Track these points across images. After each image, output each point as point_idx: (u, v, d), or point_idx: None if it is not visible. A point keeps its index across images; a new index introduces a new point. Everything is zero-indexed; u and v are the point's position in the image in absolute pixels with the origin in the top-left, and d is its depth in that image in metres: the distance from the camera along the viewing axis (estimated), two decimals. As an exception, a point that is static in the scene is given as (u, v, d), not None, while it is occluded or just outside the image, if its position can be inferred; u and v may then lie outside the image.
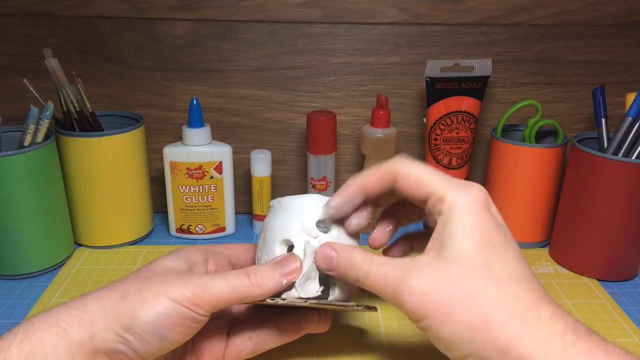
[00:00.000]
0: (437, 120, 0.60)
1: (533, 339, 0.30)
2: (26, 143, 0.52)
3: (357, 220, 0.39)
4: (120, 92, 0.63)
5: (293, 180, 0.68)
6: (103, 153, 0.56)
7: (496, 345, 0.30)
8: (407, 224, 0.43)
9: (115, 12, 0.60)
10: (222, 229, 0.63)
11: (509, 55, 0.62)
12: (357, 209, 0.39)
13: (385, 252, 0.43)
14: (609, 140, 0.55)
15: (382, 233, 0.42)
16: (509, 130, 0.62)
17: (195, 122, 0.58)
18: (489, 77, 0.59)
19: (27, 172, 0.51)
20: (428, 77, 0.58)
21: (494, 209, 0.35)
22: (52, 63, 0.54)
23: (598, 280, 0.55)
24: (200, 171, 0.59)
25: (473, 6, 0.60)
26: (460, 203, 0.34)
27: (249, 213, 0.68)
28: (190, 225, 0.62)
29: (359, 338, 0.45)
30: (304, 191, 0.66)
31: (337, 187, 0.44)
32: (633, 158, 0.52)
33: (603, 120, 0.56)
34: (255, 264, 0.42)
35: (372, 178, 0.37)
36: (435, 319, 0.32)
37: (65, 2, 0.59)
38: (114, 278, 0.45)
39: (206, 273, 0.40)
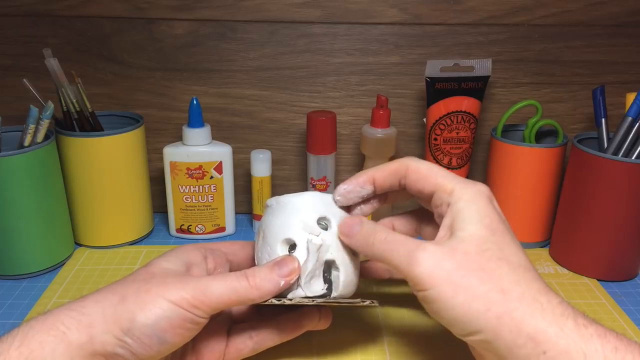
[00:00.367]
0: (437, 120, 0.60)
1: (546, 317, 0.30)
2: (26, 143, 0.52)
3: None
4: (120, 92, 0.63)
5: (293, 180, 0.68)
6: (103, 153, 0.56)
7: (512, 319, 0.30)
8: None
9: (115, 12, 0.60)
10: (222, 229, 0.63)
11: (509, 55, 0.62)
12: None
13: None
14: (609, 140, 0.55)
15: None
16: (509, 130, 0.62)
17: (195, 122, 0.58)
18: (489, 77, 0.59)
19: (27, 172, 0.51)
20: (428, 77, 0.58)
21: (497, 206, 0.36)
22: (52, 63, 0.54)
23: (598, 280, 0.55)
24: (200, 171, 0.59)
25: (473, 6, 0.60)
26: (468, 194, 0.35)
27: (249, 213, 0.68)
28: (190, 225, 0.62)
29: (359, 335, 0.45)
30: (304, 191, 0.66)
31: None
32: (633, 158, 0.52)
33: (603, 120, 0.56)
34: (254, 262, 0.42)
35: (382, 171, 0.39)
36: (449, 286, 0.31)
37: (65, 2, 0.59)
38: (114, 278, 0.45)
39: (206, 271, 0.40)
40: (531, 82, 0.63)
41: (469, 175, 0.64)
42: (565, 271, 0.57)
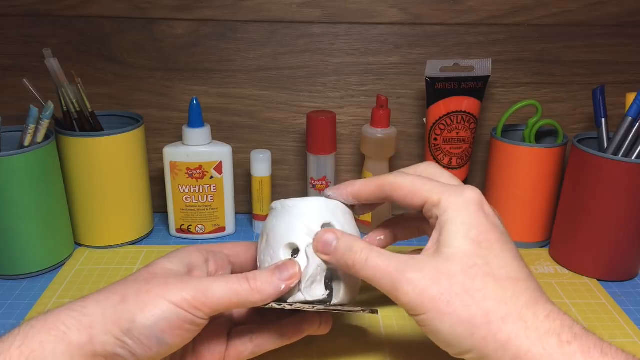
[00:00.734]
0: (437, 120, 0.60)
1: (530, 336, 0.30)
2: (26, 143, 0.52)
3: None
4: (120, 92, 0.63)
5: (293, 180, 0.68)
6: (103, 153, 0.56)
7: (496, 341, 0.30)
8: (404, 239, 0.44)
9: (115, 12, 0.60)
10: (222, 229, 0.63)
11: (509, 55, 0.62)
12: None
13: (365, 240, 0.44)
14: (609, 140, 0.55)
15: (370, 240, 0.44)
16: (509, 130, 0.62)
17: (195, 122, 0.58)
18: (489, 77, 0.59)
19: (27, 172, 0.51)
20: (428, 77, 0.58)
21: (489, 210, 0.36)
22: (52, 63, 0.54)
23: (598, 280, 0.55)
24: (200, 171, 0.59)
25: (473, 6, 0.60)
26: (455, 205, 0.35)
27: (249, 213, 0.68)
28: (190, 225, 0.62)
29: (360, 339, 0.45)
30: (304, 191, 0.66)
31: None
32: (633, 158, 0.52)
33: (603, 120, 0.56)
34: (256, 265, 0.42)
35: (365, 189, 0.39)
36: (435, 314, 0.32)
37: (65, 2, 0.59)
38: (114, 278, 0.45)
39: (207, 273, 0.40)
40: (531, 82, 0.63)
41: (469, 175, 0.64)
42: (565, 271, 0.57)
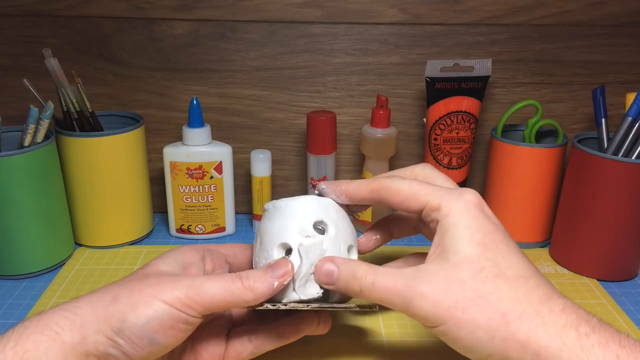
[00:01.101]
0: (437, 120, 0.60)
1: (549, 332, 0.30)
2: (26, 143, 0.52)
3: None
4: (120, 92, 0.63)
5: (293, 180, 0.68)
6: (103, 153, 0.56)
7: (516, 341, 0.30)
8: (400, 237, 0.44)
9: (115, 12, 0.60)
10: (222, 229, 0.63)
11: (509, 55, 0.62)
12: None
13: (360, 240, 0.43)
14: (609, 140, 0.55)
15: (366, 240, 0.43)
16: (509, 130, 0.62)
17: (195, 122, 0.58)
18: (489, 77, 0.59)
19: (27, 172, 0.51)
20: (428, 77, 0.58)
21: (488, 211, 0.36)
22: (52, 63, 0.54)
23: (598, 280, 0.55)
24: (200, 171, 0.59)
25: (473, 6, 0.60)
26: (456, 209, 0.34)
27: (249, 213, 0.68)
28: (190, 225, 0.62)
29: (359, 339, 0.45)
30: (304, 191, 0.66)
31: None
32: (633, 158, 0.52)
33: (603, 120, 0.56)
34: (252, 265, 0.42)
35: (360, 190, 0.39)
36: (453, 323, 0.32)
37: (65, 2, 0.59)
38: (114, 278, 0.45)
39: (204, 271, 0.40)
40: (531, 82, 0.63)
41: (469, 175, 0.64)
42: (565, 271, 0.57)
